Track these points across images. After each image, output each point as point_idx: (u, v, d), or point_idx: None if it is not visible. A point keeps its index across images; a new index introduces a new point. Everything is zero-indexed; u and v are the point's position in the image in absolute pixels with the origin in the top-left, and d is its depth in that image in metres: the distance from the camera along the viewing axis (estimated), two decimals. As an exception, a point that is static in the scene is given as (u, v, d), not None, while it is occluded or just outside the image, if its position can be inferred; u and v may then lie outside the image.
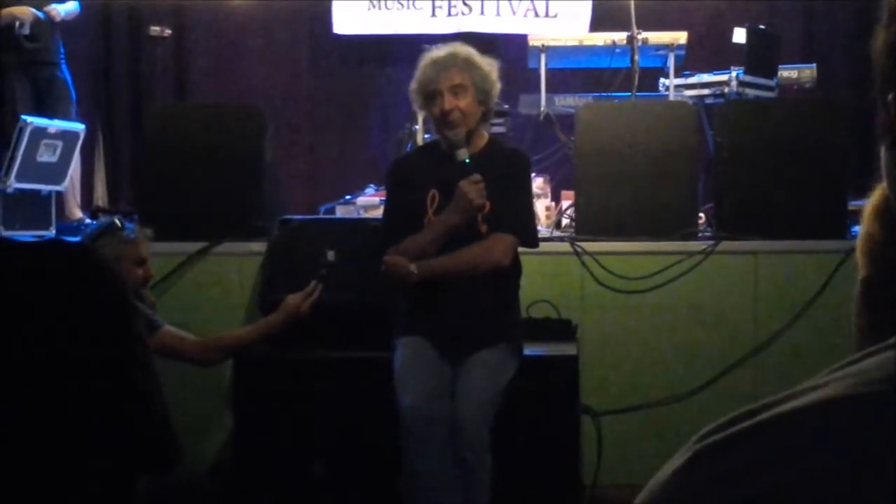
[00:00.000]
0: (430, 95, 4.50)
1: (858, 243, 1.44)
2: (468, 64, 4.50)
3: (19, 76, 7.61)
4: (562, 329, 5.22)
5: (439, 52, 4.57)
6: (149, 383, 1.94)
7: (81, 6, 8.00)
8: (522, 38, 7.60)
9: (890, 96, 0.85)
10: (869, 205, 1.51)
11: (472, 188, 4.37)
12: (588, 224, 5.63)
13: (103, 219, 4.87)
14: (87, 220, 7.38)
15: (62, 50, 7.84)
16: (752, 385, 5.31)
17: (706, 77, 7.17)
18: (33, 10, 7.59)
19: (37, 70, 7.68)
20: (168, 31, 7.98)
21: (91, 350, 1.82)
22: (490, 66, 4.56)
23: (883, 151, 0.89)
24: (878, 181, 1.66)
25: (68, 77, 7.82)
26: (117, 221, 4.39)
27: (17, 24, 7.49)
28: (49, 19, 7.64)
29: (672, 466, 0.83)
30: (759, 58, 7.03)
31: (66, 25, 7.95)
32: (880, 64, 0.87)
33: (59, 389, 1.80)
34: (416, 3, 8.44)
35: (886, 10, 0.87)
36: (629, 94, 6.72)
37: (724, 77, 7.03)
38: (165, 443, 1.98)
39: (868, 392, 0.78)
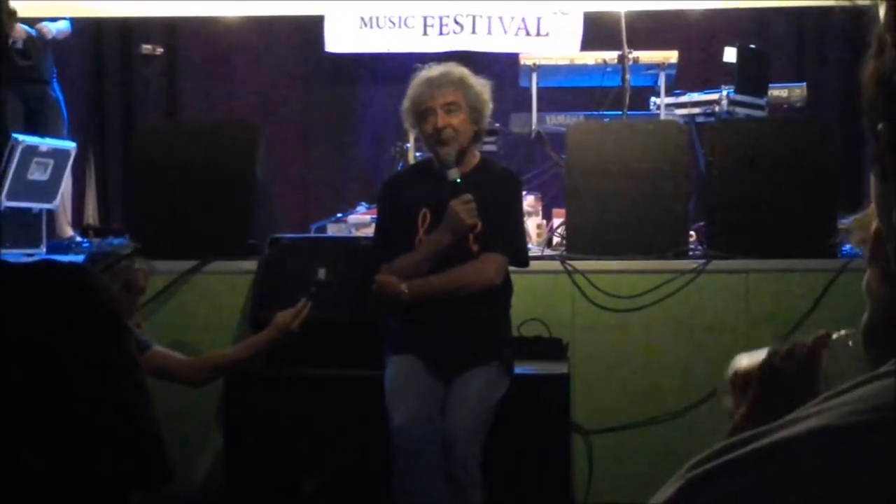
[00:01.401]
0: (422, 113, 4.51)
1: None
2: (462, 83, 4.51)
3: (10, 94, 7.60)
4: (553, 348, 5.22)
5: (433, 70, 4.58)
6: (141, 403, 1.94)
7: (73, 25, 8.01)
8: (514, 57, 7.62)
9: (879, 126, 0.86)
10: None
11: (464, 208, 4.37)
12: (579, 242, 5.63)
13: (117, 242, 4.87)
14: (78, 238, 7.37)
15: (54, 68, 7.84)
16: (743, 404, 5.30)
17: (697, 96, 7.19)
18: (25, 27, 7.59)
19: (28, 88, 7.68)
20: (160, 50, 7.98)
21: (84, 371, 1.82)
22: (483, 86, 4.57)
23: (873, 181, 0.89)
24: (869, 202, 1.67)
25: (60, 95, 7.82)
26: (127, 249, 4.42)
27: (10, 40, 7.50)
28: (41, 37, 7.65)
29: (664, 495, 0.83)
30: (750, 77, 7.05)
31: (58, 44, 7.95)
32: (869, 95, 0.87)
33: (52, 409, 1.80)
34: (408, 21, 8.44)
35: (874, 39, 0.87)
36: (620, 112, 6.73)
37: (714, 96, 7.04)
38: (157, 461, 1.98)
39: (861, 421, 0.78)
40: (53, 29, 7.74)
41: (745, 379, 1.68)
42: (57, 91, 7.81)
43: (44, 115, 7.70)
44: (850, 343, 1.50)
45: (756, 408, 1.62)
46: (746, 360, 1.71)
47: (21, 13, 7.48)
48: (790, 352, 1.58)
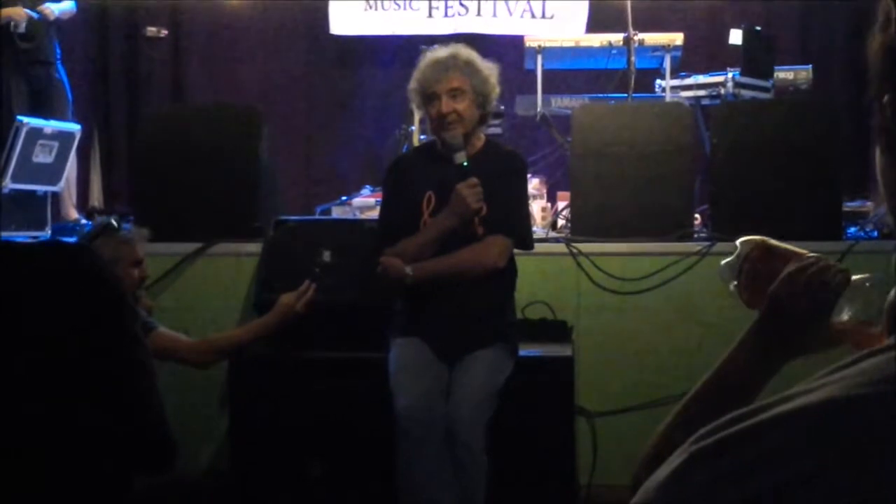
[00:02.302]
0: (428, 97, 4.50)
1: None
2: (468, 67, 4.50)
3: (15, 76, 7.61)
4: (557, 330, 5.22)
5: (440, 53, 4.57)
6: (146, 384, 1.94)
7: (77, 6, 8.00)
8: (519, 39, 7.61)
9: (885, 99, 0.86)
10: None
11: (470, 192, 4.37)
12: (584, 225, 5.63)
13: (100, 219, 4.86)
14: (84, 221, 7.38)
15: (58, 50, 7.84)
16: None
17: (702, 78, 7.18)
18: (27, 10, 7.59)
19: (32, 70, 7.68)
20: (164, 32, 7.98)
21: (88, 351, 1.82)
22: (490, 69, 4.56)
23: (878, 154, 0.89)
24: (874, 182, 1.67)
25: (64, 77, 7.82)
26: (114, 222, 4.39)
27: (12, 24, 7.50)
28: (43, 18, 7.64)
29: (669, 468, 0.83)
30: (755, 59, 7.04)
31: (62, 25, 7.94)
32: (875, 67, 0.87)
33: (57, 390, 1.80)
34: (413, 3, 8.43)
35: (881, 13, 0.87)
36: (625, 95, 6.73)
37: (720, 78, 7.03)
38: (161, 442, 1.98)
39: (864, 393, 0.78)
40: (56, 10, 7.72)
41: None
42: (62, 73, 7.80)
43: (49, 97, 7.70)
44: (868, 285, 1.50)
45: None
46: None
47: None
48: (800, 284, 1.58)
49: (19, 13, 7.52)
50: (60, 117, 7.46)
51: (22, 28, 7.53)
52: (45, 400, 1.80)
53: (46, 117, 7.27)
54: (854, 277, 1.56)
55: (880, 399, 0.77)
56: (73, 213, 7.65)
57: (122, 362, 1.88)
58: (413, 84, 4.57)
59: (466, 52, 4.59)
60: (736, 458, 0.79)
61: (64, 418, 1.82)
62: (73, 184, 7.75)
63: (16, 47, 7.55)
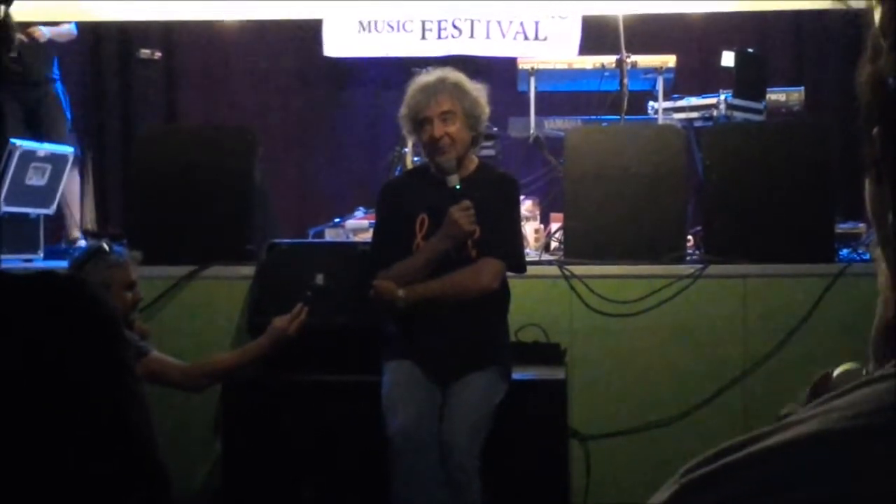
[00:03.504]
0: (419, 122, 4.51)
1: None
2: (457, 90, 4.50)
3: (9, 100, 7.62)
4: (550, 353, 5.21)
5: (428, 77, 4.58)
6: (136, 416, 1.93)
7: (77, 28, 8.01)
8: (512, 61, 7.62)
9: (874, 130, 0.86)
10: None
11: (463, 215, 4.37)
12: (577, 247, 5.63)
13: (91, 242, 4.86)
14: (81, 242, 7.37)
15: (56, 70, 7.85)
16: (742, 407, 5.31)
17: (695, 100, 7.19)
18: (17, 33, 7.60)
19: (26, 92, 7.69)
20: (158, 54, 7.98)
21: (80, 383, 1.81)
22: (479, 91, 4.57)
23: (867, 184, 0.89)
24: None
25: (62, 96, 7.83)
26: (105, 245, 4.38)
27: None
28: (33, 40, 7.64)
29: (658, 499, 0.83)
30: (748, 81, 7.06)
31: (62, 47, 7.96)
32: (865, 98, 0.87)
33: (48, 421, 1.80)
34: (407, 25, 8.43)
35: (870, 44, 0.87)
36: (618, 117, 6.73)
37: (712, 100, 7.04)
38: (154, 473, 1.97)
39: (856, 425, 0.78)
40: (47, 31, 7.73)
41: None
42: (59, 91, 7.81)
43: (43, 118, 7.71)
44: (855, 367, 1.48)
45: None
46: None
47: (19, 17, 7.49)
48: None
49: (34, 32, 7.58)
50: (56, 136, 7.47)
51: (13, 51, 7.54)
52: (34, 430, 1.79)
53: (42, 137, 7.27)
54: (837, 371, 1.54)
55: (868, 432, 0.77)
56: (75, 233, 7.63)
57: (115, 394, 1.87)
58: (403, 111, 4.58)
59: (455, 74, 4.59)
60: (724, 491, 0.79)
61: (54, 451, 1.81)
62: (75, 203, 7.75)
63: (5, 71, 7.56)
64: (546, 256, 5.95)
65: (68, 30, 7.92)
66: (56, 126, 7.69)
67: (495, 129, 6.77)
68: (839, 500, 0.75)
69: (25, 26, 7.63)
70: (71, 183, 7.57)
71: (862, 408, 0.79)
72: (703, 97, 7.17)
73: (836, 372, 1.51)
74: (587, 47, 7.96)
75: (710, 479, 0.81)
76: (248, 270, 5.39)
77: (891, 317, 0.94)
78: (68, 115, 7.84)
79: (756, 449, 0.80)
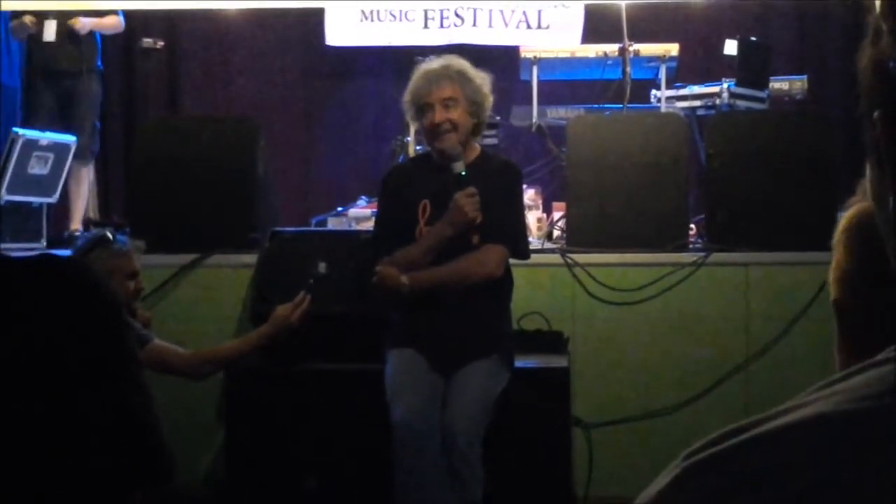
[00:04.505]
0: (421, 108, 4.51)
1: (830, 269, 1.45)
2: (461, 77, 4.50)
3: (44, 89, 7.70)
4: (553, 341, 5.22)
5: (433, 64, 4.58)
6: (141, 400, 1.93)
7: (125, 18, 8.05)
8: (514, 50, 7.62)
9: (875, 114, 0.86)
10: (837, 232, 1.54)
11: (468, 201, 4.37)
12: (579, 235, 5.63)
13: (94, 231, 4.86)
14: (80, 232, 7.38)
15: (99, 62, 7.89)
16: (744, 396, 5.32)
17: (697, 89, 7.19)
18: (56, 20, 7.64)
19: (62, 82, 7.73)
20: (160, 44, 7.98)
21: (83, 368, 1.81)
22: (483, 79, 4.57)
23: (868, 169, 0.89)
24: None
25: (96, 86, 7.84)
26: (108, 234, 4.38)
27: (43, 33, 7.59)
28: (74, 31, 7.66)
29: (660, 484, 0.83)
30: (751, 69, 7.05)
31: (107, 38, 8.05)
32: (865, 81, 0.87)
33: (51, 408, 1.80)
34: (409, 14, 8.44)
35: (871, 27, 0.87)
36: (621, 105, 6.73)
37: (715, 89, 7.04)
38: (158, 459, 1.97)
39: (857, 409, 0.78)
40: (87, 23, 7.75)
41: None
42: (94, 82, 7.83)
43: (72, 110, 7.75)
44: None
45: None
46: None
47: (31, 7, 7.53)
48: None
49: (47, 27, 7.61)
50: (80, 126, 7.50)
51: (52, 37, 7.60)
52: (38, 417, 1.79)
53: (67, 126, 7.31)
54: None
55: (868, 415, 0.77)
56: (76, 224, 7.64)
57: (118, 379, 1.87)
58: (406, 96, 4.58)
59: (458, 62, 4.60)
60: (726, 476, 0.79)
61: (58, 438, 1.82)
62: (82, 200, 7.75)
63: (43, 60, 7.66)
64: (548, 245, 5.96)
65: (114, 22, 7.94)
66: (84, 117, 7.72)
67: (497, 117, 6.76)
68: (840, 484, 0.75)
69: (66, 17, 7.64)
70: (81, 179, 7.59)
71: (862, 391, 0.79)
72: (706, 86, 7.17)
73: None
74: (590, 36, 7.98)
75: (712, 463, 0.81)
76: (251, 259, 5.40)
77: None
78: (98, 106, 7.88)
79: (757, 433, 0.80)
